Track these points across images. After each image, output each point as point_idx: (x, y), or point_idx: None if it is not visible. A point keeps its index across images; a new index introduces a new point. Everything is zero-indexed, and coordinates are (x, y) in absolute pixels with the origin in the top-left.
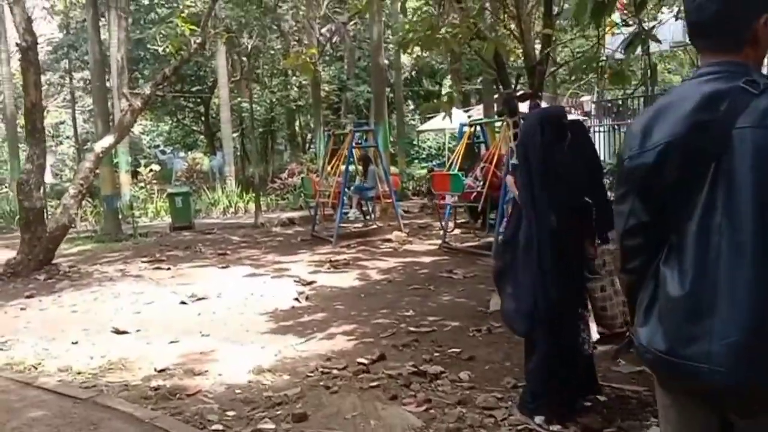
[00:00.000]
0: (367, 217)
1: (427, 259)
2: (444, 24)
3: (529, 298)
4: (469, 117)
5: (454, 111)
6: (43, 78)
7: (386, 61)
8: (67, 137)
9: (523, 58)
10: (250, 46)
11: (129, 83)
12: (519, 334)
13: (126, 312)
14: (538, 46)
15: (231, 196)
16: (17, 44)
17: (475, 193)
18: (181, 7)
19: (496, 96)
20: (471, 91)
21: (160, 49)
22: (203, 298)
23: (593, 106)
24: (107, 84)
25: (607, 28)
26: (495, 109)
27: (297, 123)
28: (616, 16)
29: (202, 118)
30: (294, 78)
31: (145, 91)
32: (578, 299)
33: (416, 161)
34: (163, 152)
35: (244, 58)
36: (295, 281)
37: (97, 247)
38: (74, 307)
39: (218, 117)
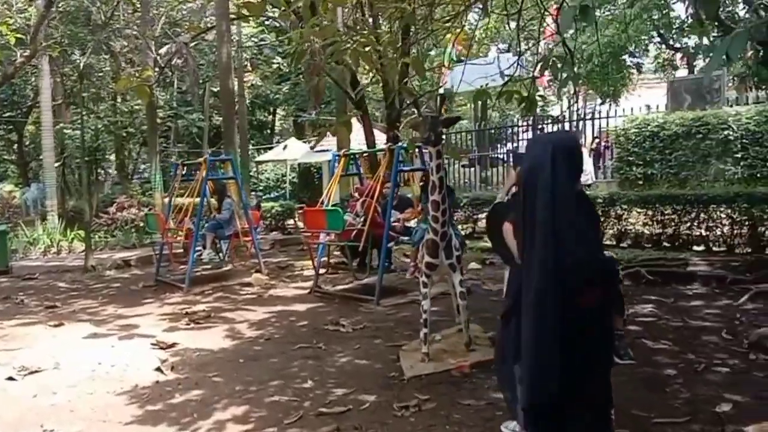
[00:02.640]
0: (220, 255)
1: (300, 307)
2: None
3: (536, 391)
4: (312, 148)
5: (294, 142)
6: None
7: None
8: None
9: (381, 87)
10: (82, 65)
11: None
12: None
13: None
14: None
15: (53, 234)
16: None
17: (355, 231)
18: None
19: (410, 120)
20: (305, 122)
21: None
22: (37, 371)
23: None
24: None
25: (446, 63)
26: (420, 134)
27: (126, 151)
28: (453, 52)
29: (14, 146)
30: (124, 103)
31: None
32: (606, 392)
33: (254, 193)
34: None
35: (68, 82)
36: (151, 344)
37: None
38: None
39: (32, 145)
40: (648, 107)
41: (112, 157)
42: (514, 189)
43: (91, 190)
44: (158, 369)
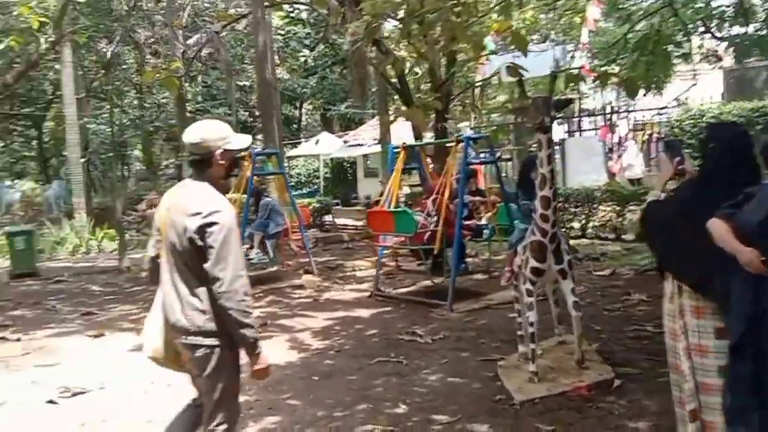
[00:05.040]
0: (268, 255)
1: (364, 313)
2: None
3: None
4: (345, 143)
5: (326, 137)
6: None
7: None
8: None
9: (429, 76)
10: (109, 54)
11: None
12: None
13: None
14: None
15: (81, 233)
16: None
17: (429, 233)
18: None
19: (515, 104)
20: (334, 117)
21: None
22: (81, 393)
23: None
24: None
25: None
26: (529, 119)
27: (154, 147)
28: (490, 44)
29: (33, 143)
30: (150, 96)
31: None
32: None
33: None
34: None
35: (90, 73)
36: None
37: None
38: None
39: (52, 141)
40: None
41: (135, 153)
42: (671, 184)
43: (119, 186)
44: None
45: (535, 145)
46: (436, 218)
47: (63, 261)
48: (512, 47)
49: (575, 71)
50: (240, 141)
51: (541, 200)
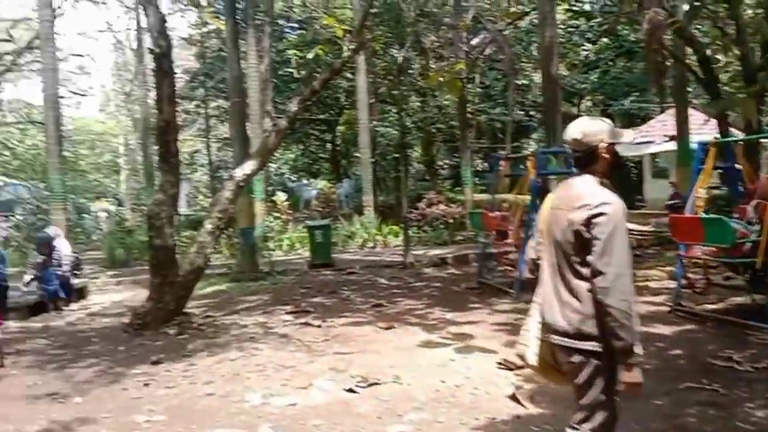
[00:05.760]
0: None
1: (664, 330)
2: None
3: None
4: (634, 139)
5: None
6: (180, 107)
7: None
8: (201, 165)
9: (740, 63)
10: (401, 58)
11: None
12: None
13: (276, 402)
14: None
15: (369, 229)
16: (150, 50)
17: (750, 244)
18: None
19: None
20: (615, 113)
21: (304, 59)
22: (376, 383)
23: None
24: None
25: None
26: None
27: (434, 148)
28: None
29: (327, 145)
30: (433, 99)
31: (291, 108)
32: None
33: None
34: (291, 180)
35: (379, 79)
36: (498, 364)
37: (232, 288)
38: (209, 387)
39: (342, 144)
40: None
41: (414, 154)
42: None
43: (400, 186)
44: (513, 397)
45: None
46: (759, 226)
47: (352, 254)
48: None
49: None
50: (624, 135)
51: None
